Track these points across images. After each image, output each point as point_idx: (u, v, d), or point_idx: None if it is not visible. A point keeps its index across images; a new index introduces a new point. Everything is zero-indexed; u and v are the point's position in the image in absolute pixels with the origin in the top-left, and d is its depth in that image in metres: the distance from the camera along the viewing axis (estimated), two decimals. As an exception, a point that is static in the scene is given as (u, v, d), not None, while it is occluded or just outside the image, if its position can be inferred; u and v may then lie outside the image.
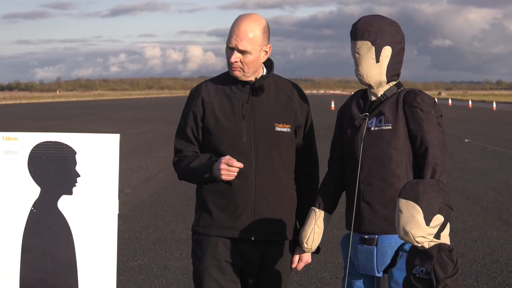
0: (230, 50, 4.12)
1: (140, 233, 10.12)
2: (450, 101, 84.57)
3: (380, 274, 3.98)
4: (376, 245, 3.95)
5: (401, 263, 3.84)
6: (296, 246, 4.25)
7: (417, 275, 3.39)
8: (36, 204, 4.14)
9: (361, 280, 4.05)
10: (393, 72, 4.00)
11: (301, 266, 4.29)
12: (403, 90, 4.03)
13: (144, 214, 11.48)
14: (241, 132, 4.12)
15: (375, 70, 3.96)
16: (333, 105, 57.29)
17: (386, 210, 3.92)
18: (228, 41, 4.12)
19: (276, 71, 4.28)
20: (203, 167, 4.10)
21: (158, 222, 10.89)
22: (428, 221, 3.34)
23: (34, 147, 4.16)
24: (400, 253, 3.90)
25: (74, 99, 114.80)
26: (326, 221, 4.14)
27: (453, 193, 12.19)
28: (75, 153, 4.16)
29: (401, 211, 3.37)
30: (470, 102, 76.06)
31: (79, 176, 4.14)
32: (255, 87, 4.15)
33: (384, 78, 3.98)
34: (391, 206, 3.83)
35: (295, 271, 4.53)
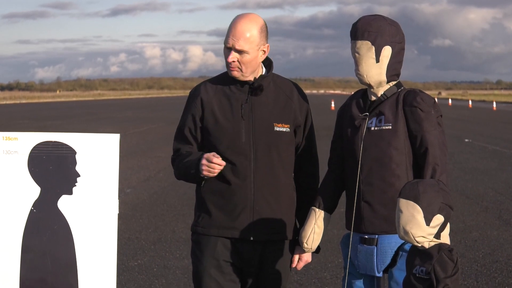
0: (228, 50, 4.12)
1: (140, 233, 10.11)
2: (450, 101, 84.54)
3: (380, 274, 3.97)
4: (376, 245, 3.95)
5: (401, 263, 3.84)
6: (296, 245, 4.25)
7: (417, 275, 3.39)
8: (36, 204, 4.13)
9: (361, 280, 4.05)
10: (393, 72, 4.00)
11: (301, 265, 4.29)
12: (403, 90, 4.03)
13: (144, 214, 11.48)
14: (240, 132, 4.12)
15: (375, 70, 3.96)
16: (333, 105, 57.25)
17: (386, 210, 3.91)
18: (226, 41, 4.12)
19: (276, 71, 4.28)
20: (192, 163, 4.10)
21: (158, 222, 10.88)
22: (428, 221, 3.34)
23: (34, 147, 4.15)
24: (400, 253, 3.89)
25: (74, 99, 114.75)
26: (326, 221, 4.14)
27: (453, 193, 12.19)
28: (75, 153, 4.15)
29: (401, 211, 3.37)
30: (470, 102, 76.05)
31: (79, 176, 4.14)
32: (254, 87, 4.15)
33: (384, 78, 3.98)
34: (391, 206, 3.83)
35: (295, 271, 4.53)
